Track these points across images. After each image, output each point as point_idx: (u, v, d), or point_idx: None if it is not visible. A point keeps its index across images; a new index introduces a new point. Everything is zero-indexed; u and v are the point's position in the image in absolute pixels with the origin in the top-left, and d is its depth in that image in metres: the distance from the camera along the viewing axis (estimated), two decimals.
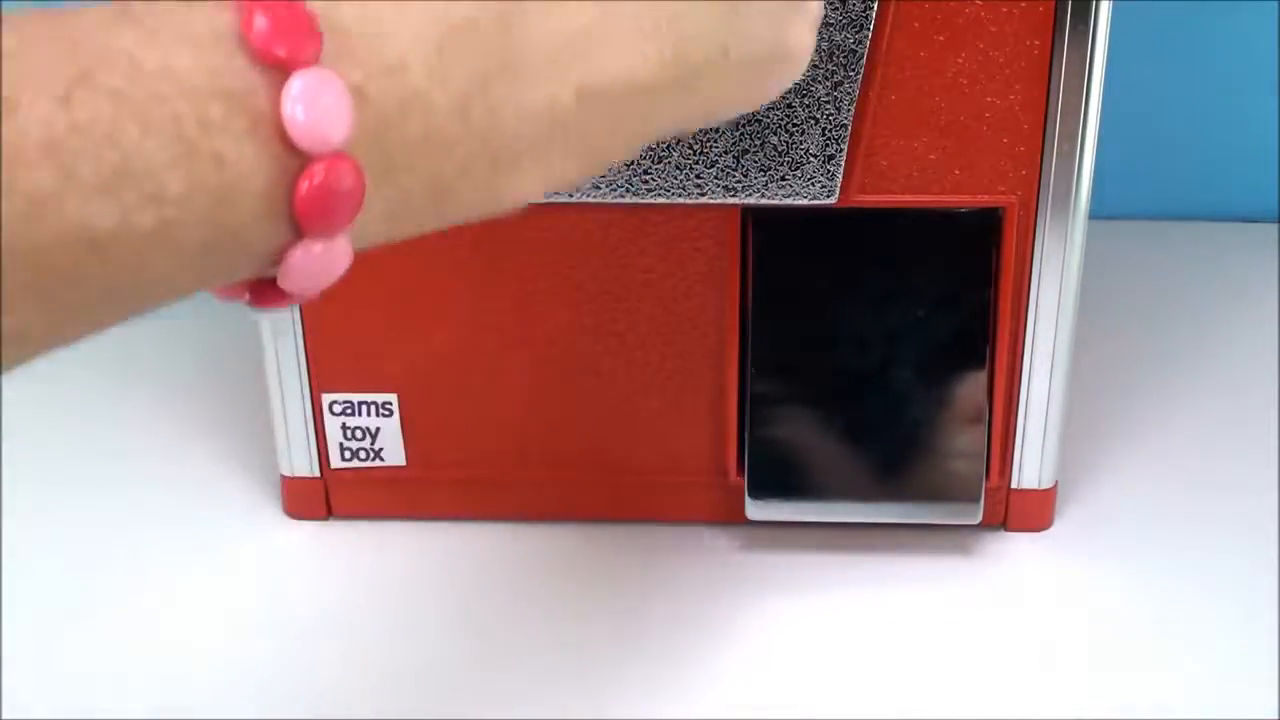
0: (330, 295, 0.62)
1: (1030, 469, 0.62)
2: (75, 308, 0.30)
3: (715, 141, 0.55)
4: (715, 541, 0.63)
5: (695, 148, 0.55)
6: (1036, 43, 0.54)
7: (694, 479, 0.62)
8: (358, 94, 0.32)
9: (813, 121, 0.55)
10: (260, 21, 0.30)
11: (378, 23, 0.32)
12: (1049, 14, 0.53)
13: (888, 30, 0.53)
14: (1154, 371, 0.74)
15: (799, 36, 0.43)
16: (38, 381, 0.74)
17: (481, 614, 0.60)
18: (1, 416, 0.71)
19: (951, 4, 0.53)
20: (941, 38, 0.54)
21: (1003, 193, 0.56)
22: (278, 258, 0.32)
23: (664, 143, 0.55)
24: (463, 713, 0.55)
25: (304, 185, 0.31)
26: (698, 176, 0.56)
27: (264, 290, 0.34)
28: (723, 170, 0.56)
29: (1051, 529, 0.64)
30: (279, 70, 0.30)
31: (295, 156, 0.31)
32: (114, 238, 0.29)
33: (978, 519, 0.61)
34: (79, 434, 0.71)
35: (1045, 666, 0.57)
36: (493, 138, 0.35)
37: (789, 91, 0.54)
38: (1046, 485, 0.62)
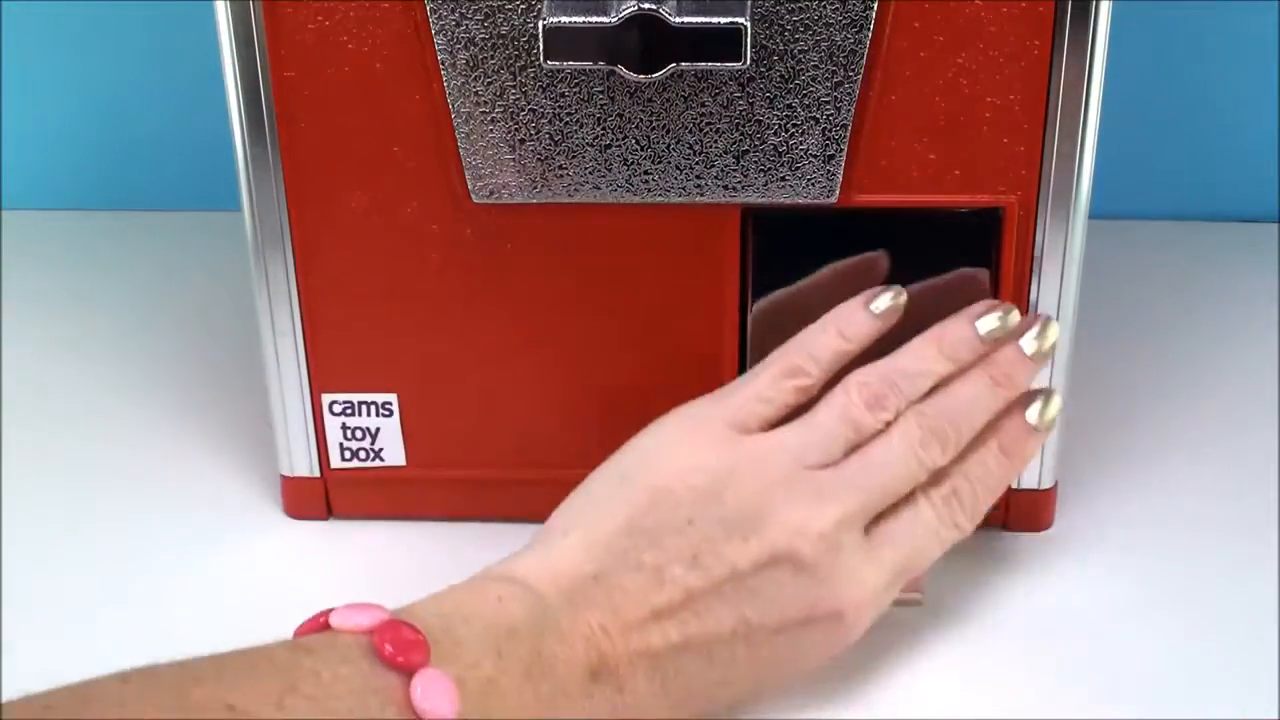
0: (330, 295, 0.63)
1: (1030, 470, 0.62)
2: None
3: (715, 141, 0.55)
4: None
5: (695, 147, 0.55)
6: (1036, 43, 0.54)
7: None
8: (458, 682, 0.45)
9: (813, 121, 0.55)
10: (388, 646, 0.44)
11: (455, 634, 0.47)
12: (1049, 14, 0.53)
13: (888, 30, 0.53)
14: (1154, 371, 0.74)
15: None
16: (38, 381, 0.74)
17: None
18: (1, 416, 0.71)
19: (951, 4, 0.53)
20: (941, 38, 0.54)
21: (1003, 192, 0.56)
22: None
23: (663, 143, 0.55)
24: None
25: None
26: (698, 176, 0.56)
27: None
28: (723, 170, 0.56)
29: (1051, 529, 0.64)
30: (406, 672, 0.44)
31: None
32: None
33: None
34: (79, 434, 0.71)
35: (1045, 666, 0.57)
36: (544, 708, 0.47)
37: (789, 91, 0.54)
38: (1046, 485, 0.62)
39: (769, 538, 0.51)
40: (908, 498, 0.54)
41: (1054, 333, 0.56)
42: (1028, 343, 0.56)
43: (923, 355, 0.55)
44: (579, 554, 0.51)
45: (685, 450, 0.53)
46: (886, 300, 0.56)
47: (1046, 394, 0.56)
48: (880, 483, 0.53)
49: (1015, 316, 0.56)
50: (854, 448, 0.53)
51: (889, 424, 0.54)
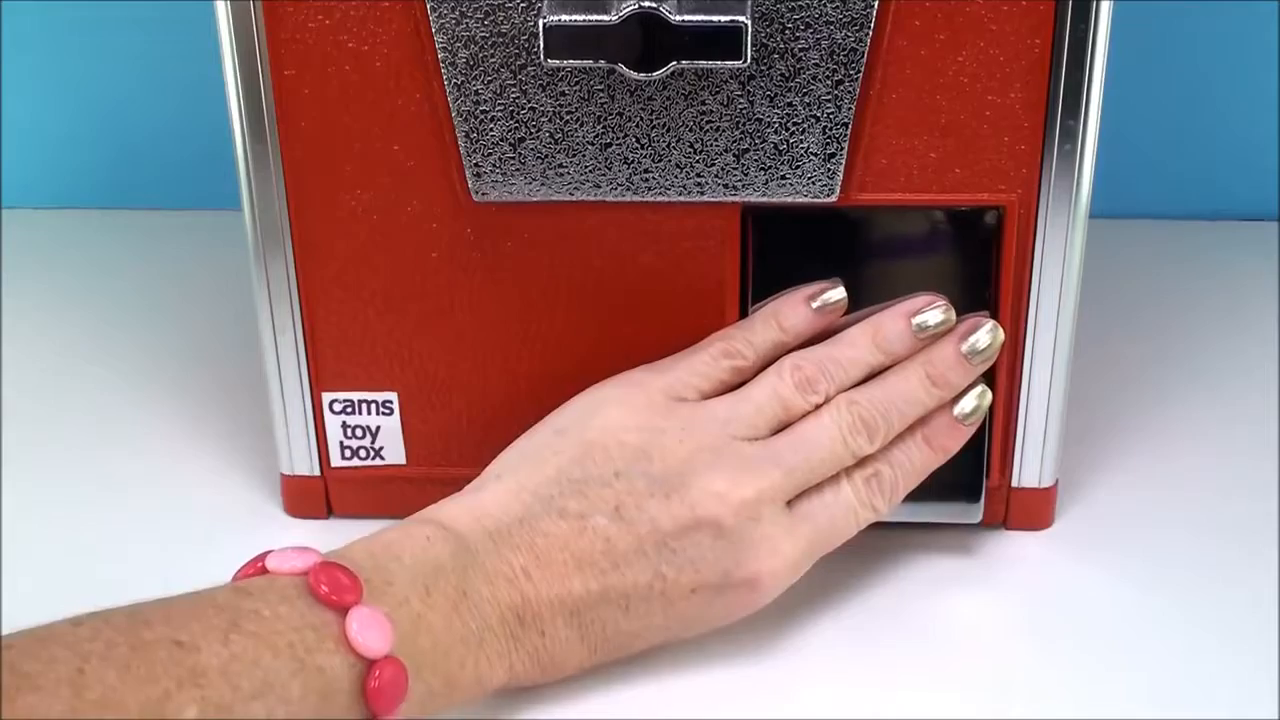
0: (330, 294, 0.63)
1: (1030, 469, 0.62)
2: None
3: (715, 140, 0.55)
4: None
5: (695, 146, 0.55)
6: (1037, 42, 0.54)
7: None
8: (390, 619, 0.47)
9: (813, 120, 0.55)
10: (324, 586, 0.47)
11: (385, 572, 0.49)
12: (1049, 13, 0.53)
13: (888, 29, 0.53)
14: (1154, 371, 0.74)
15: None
16: (38, 381, 0.74)
17: None
18: (1, 416, 0.71)
19: (952, 3, 0.53)
20: (942, 36, 0.54)
21: (1003, 191, 0.56)
22: None
23: (664, 141, 0.55)
24: (462, 712, 0.54)
25: (372, 681, 0.46)
26: (698, 175, 0.56)
27: None
28: (723, 169, 0.56)
29: (1051, 529, 0.63)
30: (340, 610, 0.47)
31: (362, 662, 0.46)
32: None
33: (978, 519, 0.61)
34: (78, 433, 0.71)
35: (1045, 666, 0.57)
36: (471, 644, 0.50)
37: (789, 90, 0.54)
38: (1046, 485, 0.62)
39: (691, 500, 0.53)
40: (831, 478, 0.56)
41: (998, 338, 0.57)
42: (969, 346, 0.57)
43: (857, 344, 0.57)
44: (507, 498, 0.53)
45: (620, 410, 0.55)
46: (829, 298, 0.57)
47: (978, 390, 0.58)
48: (806, 461, 0.55)
49: (952, 316, 0.57)
50: (782, 426, 0.55)
51: (819, 406, 0.56)
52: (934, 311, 0.57)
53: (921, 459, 0.57)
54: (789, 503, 0.55)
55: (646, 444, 0.54)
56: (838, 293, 0.57)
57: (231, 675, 0.44)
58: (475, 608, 0.51)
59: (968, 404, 0.57)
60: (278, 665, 0.45)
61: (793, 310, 0.57)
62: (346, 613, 0.47)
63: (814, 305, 0.57)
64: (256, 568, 0.49)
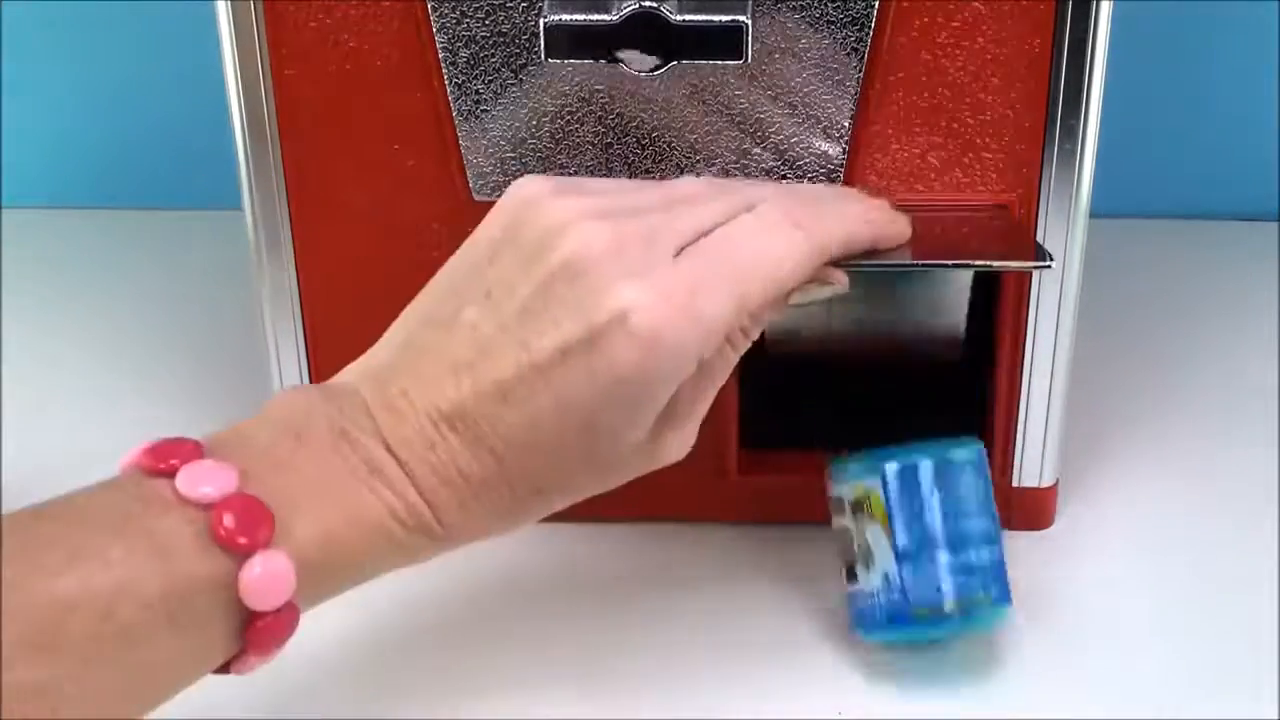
0: (330, 294, 0.63)
1: (1030, 468, 0.62)
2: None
3: (716, 140, 0.55)
4: (715, 540, 0.63)
5: (696, 146, 0.55)
6: (1037, 42, 0.54)
7: (694, 478, 0.62)
8: (238, 468, 0.44)
9: (814, 120, 0.55)
10: (153, 458, 0.44)
11: (245, 435, 0.46)
12: (1049, 14, 0.53)
13: (889, 28, 0.53)
14: (1154, 371, 0.74)
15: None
16: (37, 381, 0.74)
17: (479, 612, 0.60)
18: (1, 416, 0.71)
19: (952, 3, 0.53)
20: (942, 36, 0.54)
21: (1003, 191, 0.56)
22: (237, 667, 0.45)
23: (664, 141, 0.55)
24: (463, 712, 0.55)
25: (219, 525, 0.42)
26: (698, 175, 0.56)
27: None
28: (723, 169, 0.56)
29: (1051, 529, 0.64)
30: (172, 474, 0.43)
31: (202, 513, 0.43)
32: None
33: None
34: (78, 432, 0.71)
35: (1045, 666, 0.57)
36: (361, 475, 0.46)
37: (790, 90, 0.54)
38: (1047, 485, 0.62)
39: (548, 253, 0.46)
40: None
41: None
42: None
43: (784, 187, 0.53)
44: (392, 332, 0.50)
45: (521, 191, 0.49)
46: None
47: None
48: (694, 214, 0.48)
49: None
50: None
51: None
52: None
53: (857, 210, 0.51)
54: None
55: (525, 217, 0.48)
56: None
57: (26, 557, 0.40)
58: (356, 443, 0.46)
59: (904, 218, 0.53)
60: (91, 536, 0.41)
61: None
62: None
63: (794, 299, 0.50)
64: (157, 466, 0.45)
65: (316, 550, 0.44)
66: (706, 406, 0.49)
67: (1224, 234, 0.85)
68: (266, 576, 0.42)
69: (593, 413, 0.46)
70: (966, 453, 0.53)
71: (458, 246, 0.58)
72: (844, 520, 0.52)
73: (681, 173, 0.56)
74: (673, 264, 0.46)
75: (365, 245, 0.58)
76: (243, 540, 0.42)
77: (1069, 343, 0.59)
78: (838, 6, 0.53)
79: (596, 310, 0.45)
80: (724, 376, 0.49)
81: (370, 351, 0.50)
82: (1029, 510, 0.63)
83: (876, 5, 0.53)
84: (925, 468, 0.52)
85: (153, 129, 0.88)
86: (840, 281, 0.51)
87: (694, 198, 0.49)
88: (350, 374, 0.49)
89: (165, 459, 0.44)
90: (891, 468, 0.52)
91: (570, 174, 0.56)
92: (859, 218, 0.51)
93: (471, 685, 0.56)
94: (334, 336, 0.60)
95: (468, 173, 0.56)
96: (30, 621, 0.39)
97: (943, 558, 0.52)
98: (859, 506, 0.50)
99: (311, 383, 0.61)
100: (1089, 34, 0.53)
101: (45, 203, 0.89)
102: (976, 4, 0.53)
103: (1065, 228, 0.57)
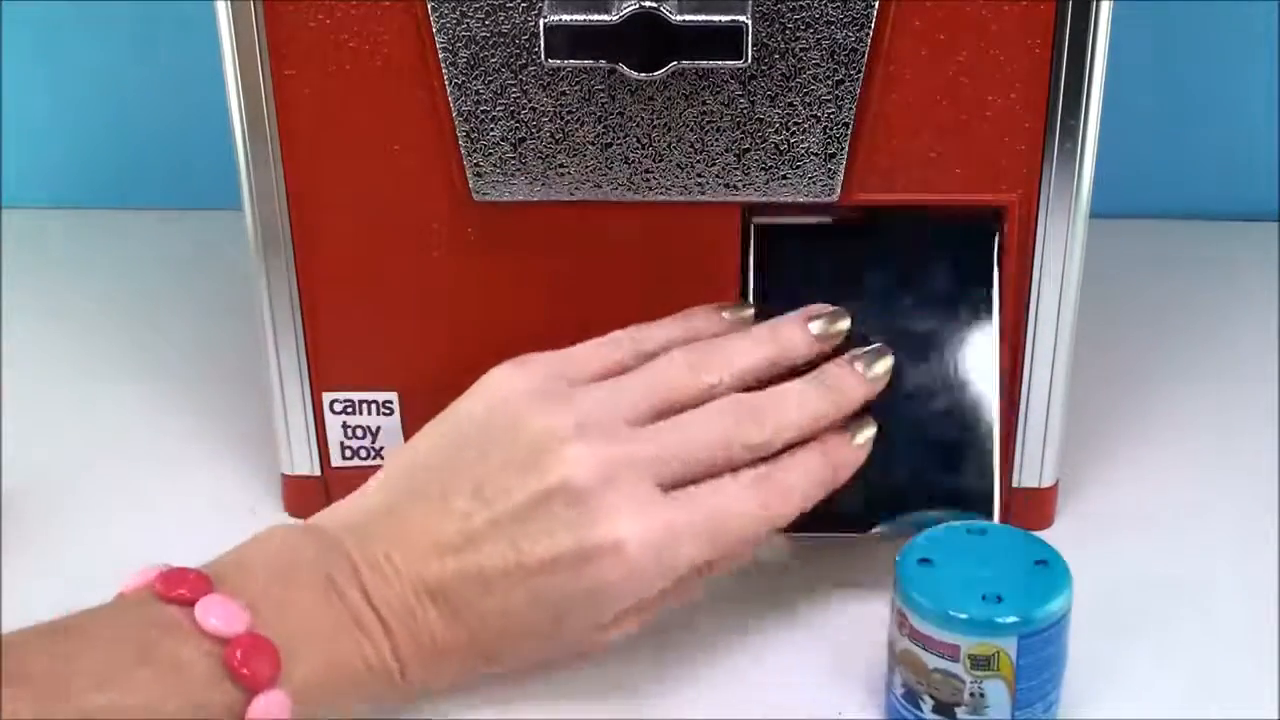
0: (330, 294, 0.63)
1: (1030, 468, 0.62)
2: None
3: (716, 140, 0.55)
4: None
5: (696, 146, 0.55)
6: (1037, 42, 0.54)
7: None
8: (247, 605, 0.47)
9: (814, 120, 0.55)
10: (169, 584, 0.48)
11: (244, 568, 0.50)
12: (1049, 14, 0.53)
13: (889, 29, 0.53)
14: (1154, 371, 0.74)
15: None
16: (38, 381, 0.74)
17: None
18: (1, 416, 0.71)
19: (952, 3, 0.53)
20: (942, 36, 0.54)
21: (1003, 191, 0.56)
22: None
23: (664, 141, 0.55)
24: (462, 713, 0.54)
25: (233, 657, 0.46)
26: (699, 175, 0.56)
27: None
28: (724, 169, 0.56)
29: (1052, 529, 0.63)
30: (190, 604, 0.47)
31: (219, 645, 0.46)
32: None
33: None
34: (78, 432, 0.71)
35: None
36: (346, 626, 0.50)
37: (790, 90, 0.54)
38: (1047, 485, 0.62)
39: (545, 467, 0.51)
40: (715, 475, 0.53)
41: (885, 363, 0.57)
42: (864, 364, 0.56)
43: (752, 335, 0.56)
44: (375, 491, 0.53)
45: (501, 390, 0.54)
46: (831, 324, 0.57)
47: (865, 419, 0.57)
48: (685, 442, 0.52)
49: (846, 325, 0.57)
50: (670, 413, 0.53)
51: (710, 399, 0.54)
52: (829, 318, 0.57)
53: (819, 468, 0.55)
54: (667, 491, 0.52)
55: (514, 420, 0.52)
56: (843, 321, 0.58)
57: (59, 674, 0.44)
58: (343, 594, 0.50)
59: (866, 432, 0.56)
60: (118, 657, 0.45)
61: (791, 328, 0.56)
62: (188, 604, 0.47)
63: (813, 329, 0.57)
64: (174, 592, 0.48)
65: (307, 691, 0.48)
66: (658, 608, 0.54)
67: (1224, 234, 0.85)
68: (270, 713, 0.46)
69: (568, 610, 0.51)
70: (1064, 600, 0.52)
71: (457, 246, 0.58)
72: (943, 663, 0.51)
73: (682, 172, 0.56)
74: (664, 502, 0.51)
75: (365, 245, 0.58)
76: (252, 674, 0.46)
77: (1069, 343, 0.59)
78: (838, 6, 0.53)
79: (593, 533, 0.50)
80: (675, 595, 0.54)
81: (349, 501, 0.54)
82: (1029, 510, 0.63)
83: (876, 5, 0.53)
84: (1055, 632, 0.51)
85: (153, 129, 0.88)
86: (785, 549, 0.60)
87: (698, 427, 0.53)
88: (330, 521, 0.53)
89: (174, 588, 0.47)
90: (1027, 635, 0.51)
91: (570, 173, 0.56)
92: (821, 469, 0.55)
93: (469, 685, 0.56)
94: (334, 336, 0.60)
95: (468, 173, 0.56)
96: None
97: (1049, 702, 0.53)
98: (983, 662, 0.50)
99: (311, 381, 0.61)
100: (1089, 34, 0.53)
101: (45, 203, 0.89)
102: (977, 4, 0.53)
103: (1065, 228, 0.57)
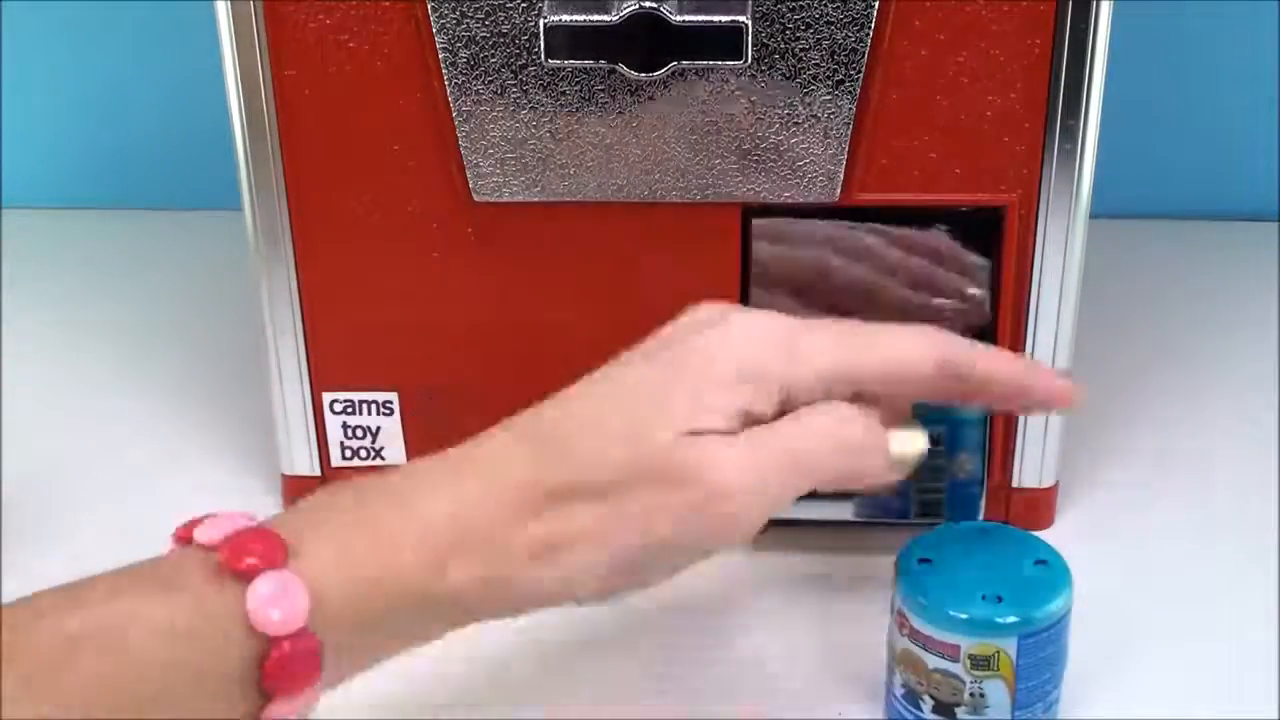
0: (330, 294, 0.63)
1: (1030, 469, 0.62)
2: None
3: (716, 140, 0.55)
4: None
5: (696, 146, 0.55)
6: (1037, 42, 0.54)
7: None
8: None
9: (814, 120, 0.55)
10: (236, 547, 0.42)
11: (309, 533, 0.43)
12: (1049, 14, 0.53)
13: (889, 29, 0.53)
14: (1154, 371, 0.74)
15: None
16: (38, 381, 0.74)
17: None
18: (1, 416, 0.71)
19: (952, 3, 0.53)
20: (942, 37, 0.54)
21: (1004, 191, 0.56)
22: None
23: (664, 141, 0.55)
24: (462, 712, 0.55)
25: (271, 661, 0.40)
26: (699, 175, 0.56)
27: None
28: (724, 169, 0.56)
29: (1051, 529, 0.64)
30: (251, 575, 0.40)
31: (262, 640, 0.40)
32: None
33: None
34: (78, 432, 0.71)
35: None
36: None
37: (790, 90, 0.54)
38: (1046, 485, 0.62)
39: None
40: None
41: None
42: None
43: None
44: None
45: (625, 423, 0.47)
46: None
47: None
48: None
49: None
50: None
51: None
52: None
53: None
54: None
55: (634, 473, 0.45)
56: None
57: (34, 602, 0.40)
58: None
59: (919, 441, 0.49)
60: (98, 582, 0.42)
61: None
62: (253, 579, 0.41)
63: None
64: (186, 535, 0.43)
65: (336, 580, 0.42)
66: None
67: (1224, 234, 0.85)
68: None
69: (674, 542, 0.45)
70: (1064, 601, 0.51)
71: (457, 246, 0.58)
72: (943, 663, 0.51)
73: (681, 172, 0.56)
74: (743, 443, 0.45)
75: (365, 245, 0.58)
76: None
77: (1069, 343, 0.59)
78: (837, 6, 0.53)
79: (689, 500, 0.44)
80: None
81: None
82: (1029, 510, 0.63)
83: (876, 5, 0.53)
84: (1055, 632, 0.51)
85: (153, 129, 0.88)
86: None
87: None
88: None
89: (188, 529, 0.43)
90: (1027, 635, 0.51)
91: (570, 173, 0.56)
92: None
93: (469, 685, 0.56)
94: (334, 336, 0.60)
95: (468, 173, 0.56)
96: (37, 658, 0.38)
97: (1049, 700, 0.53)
98: (983, 662, 0.50)
99: (311, 381, 0.61)
100: (1089, 34, 0.53)
101: (45, 203, 0.89)
102: (977, 4, 0.53)
103: (1065, 228, 0.57)
